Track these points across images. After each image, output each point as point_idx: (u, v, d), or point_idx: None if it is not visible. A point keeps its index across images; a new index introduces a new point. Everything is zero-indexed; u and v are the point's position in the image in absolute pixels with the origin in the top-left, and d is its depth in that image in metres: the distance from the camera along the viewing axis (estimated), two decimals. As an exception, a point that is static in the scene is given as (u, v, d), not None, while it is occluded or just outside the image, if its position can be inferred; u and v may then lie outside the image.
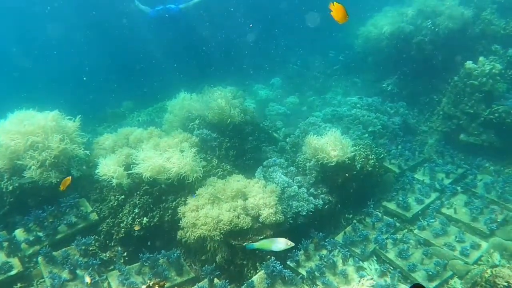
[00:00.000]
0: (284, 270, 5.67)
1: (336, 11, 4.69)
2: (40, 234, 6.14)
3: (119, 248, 6.31)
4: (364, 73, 12.97)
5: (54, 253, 5.84)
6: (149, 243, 6.39)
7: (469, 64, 8.57)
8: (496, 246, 6.26)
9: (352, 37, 13.12)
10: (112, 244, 6.43)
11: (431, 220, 6.90)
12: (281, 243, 5.27)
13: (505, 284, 4.66)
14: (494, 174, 7.89)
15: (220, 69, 12.93)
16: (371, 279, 5.45)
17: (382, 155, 7.93)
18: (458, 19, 10.18)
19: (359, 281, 5.43)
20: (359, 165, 7.28)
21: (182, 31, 12.14)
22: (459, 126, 8.83)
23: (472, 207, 7.01)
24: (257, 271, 5.90)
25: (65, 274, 5.57)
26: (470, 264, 6.03)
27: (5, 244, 5.89)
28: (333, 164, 6.91)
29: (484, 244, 6.36)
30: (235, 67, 13.44)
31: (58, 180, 6.50)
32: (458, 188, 7.69)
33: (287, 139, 8.87)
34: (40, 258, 5.79)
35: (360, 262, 6.17)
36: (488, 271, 5.06)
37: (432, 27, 10.60)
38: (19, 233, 6.20)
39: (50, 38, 14.83)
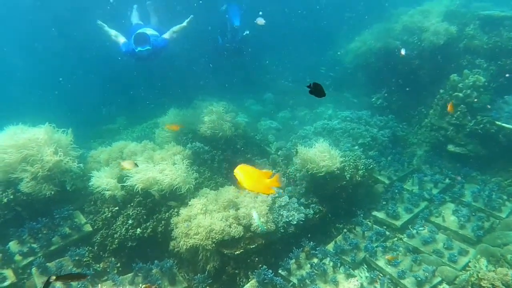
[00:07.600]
0: (275, 277, 5.76)
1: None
2: (34, 245, 6.21)
3: (113, 258, 6.39)
4: (354, 88, 13.17)
5: (48, 264, 5.90)
6: (147, 250, 6.48)
7: (454, 76, 8.84)
8: (483, 252, 6.38)
9: (342, 54, 13.44)
10: (106, 255, 6.50)
11: (420, 228, 7.03)
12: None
13: (490, 286, 4.80)
14: (481, 183, 8.07)
15: (213, 85, 13.11)
16: (357, 280, 5.59)
17: (371, 166, 8.08)
18: (442, 34, 10.50)
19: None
20: (349, 175, 7.43)
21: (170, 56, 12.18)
22: (446, 137, 9.03)
23: (459, 215, 7.16)
24: (249, 279, 5.98)
25: (58, 285, 5.62)
26: (458, 270, 6.13)
27: (-1, 255, 5.94)
28: (322, 174, 7.06)
29: (471, 251, 6.49)
30: (227, 83, 13.63)
31: (52, 192, 6.62)
32: (446, 197, 7.85)
33: (279, 152, 9.00)
34: (34, 269, 5.84)
35: (351, 269, 6.25)
36: (475, 275, 5.19)
37: (418, 42, 10.91)
38: (13, 245, 6.26)
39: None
